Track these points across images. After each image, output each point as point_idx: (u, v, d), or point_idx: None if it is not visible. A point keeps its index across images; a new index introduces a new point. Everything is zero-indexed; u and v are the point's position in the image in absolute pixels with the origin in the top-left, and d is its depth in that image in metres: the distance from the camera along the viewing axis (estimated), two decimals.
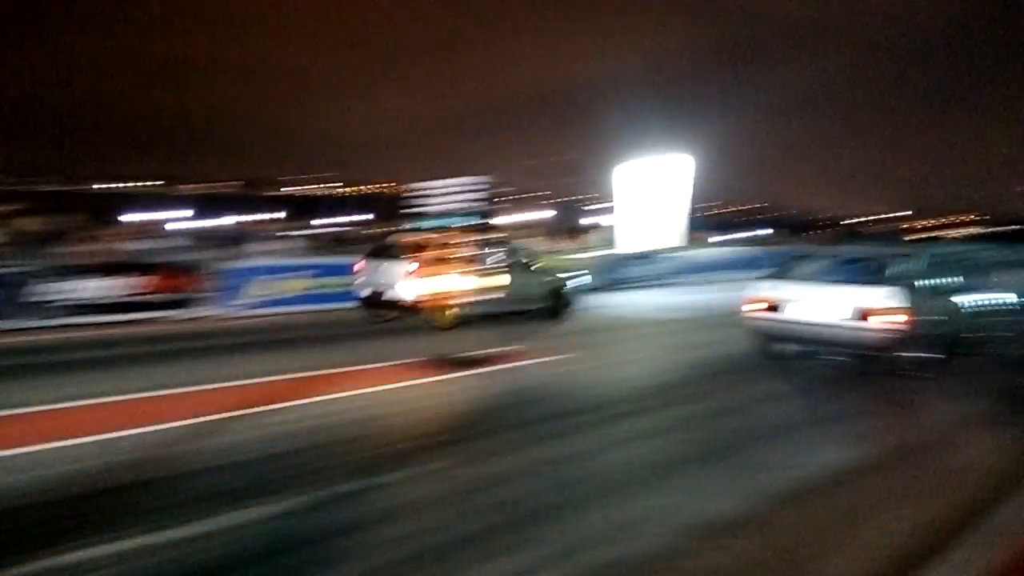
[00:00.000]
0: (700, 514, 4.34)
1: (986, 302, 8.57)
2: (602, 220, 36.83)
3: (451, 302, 11.66)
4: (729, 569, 3.69)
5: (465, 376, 8.16)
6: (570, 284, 13.90)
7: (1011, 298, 8.82)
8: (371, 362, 8.77)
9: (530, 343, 10.33)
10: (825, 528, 4.19)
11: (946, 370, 7.84)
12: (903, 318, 7.53)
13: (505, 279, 12.52)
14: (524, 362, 8.95)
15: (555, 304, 13.30)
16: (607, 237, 26.11)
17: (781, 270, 9.14)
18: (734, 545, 3.94)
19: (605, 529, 4.13)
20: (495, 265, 12.59)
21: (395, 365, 8.61)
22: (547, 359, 9.14)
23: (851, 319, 7.80)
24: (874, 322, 7.63)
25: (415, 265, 11.56)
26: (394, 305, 11.81)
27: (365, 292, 12.46)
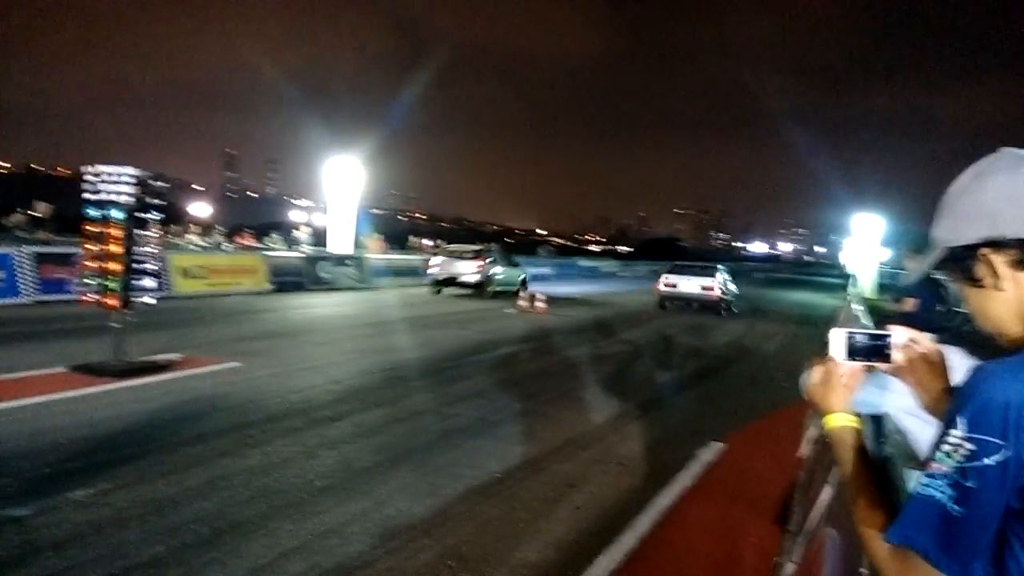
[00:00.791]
0: (397, 516, 4.45)
1: (732, 287, 21.50)
2: (311, 218, 35.00)
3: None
4: (428, 567, 3.82)
5: (136, 385, 7.32)
6: (530, 274, 24.82)
7: (733, 286, 21.73)
8: (26, 369, 7.57)
9: (202, 349, 9.61)
10: (510, 521, 4.53)
11: (730, 312, 20.41)
12: (719, 291, 19.66)
13: (508, 270, 22.51)
14: (197, 369, 8.30)
15: (523, 287, 22.64)
16: (303, 237, 24.95)
17: (671, 269, 21.02)
18: (430, 544, 4.10)
19: (305, 539, 4.03)
20: (498, 261, 22.11)
21: (52, 373, 7.50)
22: (222, 365, 8.58)
23: (701, 290, 19.86)
24: (710, 292, 19.70)
25: (480, 261, 20.96)
26: (466, 285, 20.89)
27: (442, 276, 21.26)
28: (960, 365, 1.51)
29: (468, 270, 20.99)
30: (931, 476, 1.00)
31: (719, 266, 21.34)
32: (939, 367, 1.37)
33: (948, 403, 1.33)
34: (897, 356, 1.36)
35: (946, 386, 1.35)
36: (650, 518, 4.62)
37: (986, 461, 0.95)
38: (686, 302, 20.37)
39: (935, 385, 1.36)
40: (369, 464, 5.40)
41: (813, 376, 1.39)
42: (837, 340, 1.38)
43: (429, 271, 21.80)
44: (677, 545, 4.26)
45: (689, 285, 20.15)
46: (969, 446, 0.96)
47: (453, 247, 23.26)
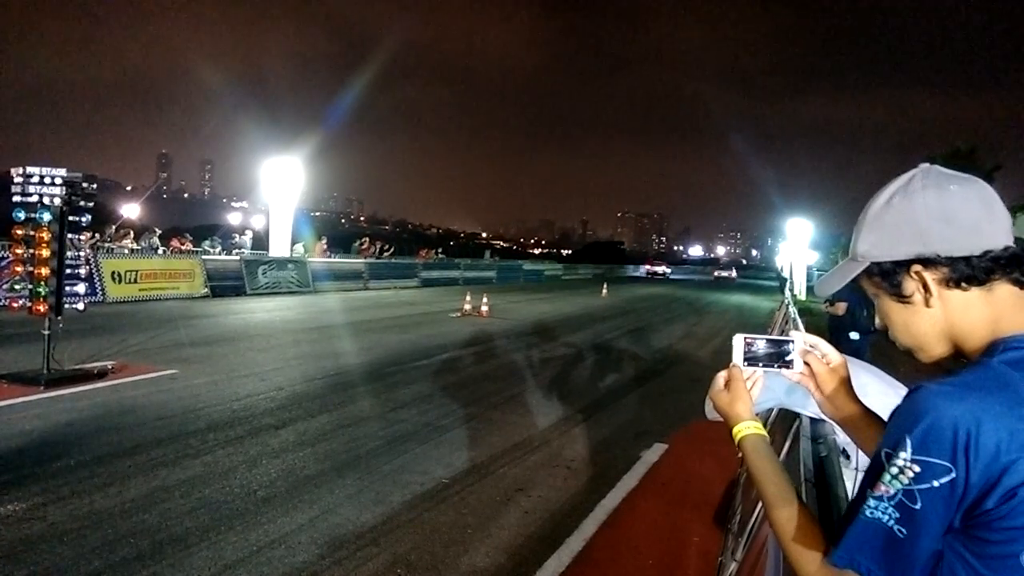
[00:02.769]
0: (344, 525, 4.41)
1: (737, 273, 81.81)
2: (250, 221, 34.21)
3: None
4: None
5: (69, 394, 7.10)
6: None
7: (737, 273, 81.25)
8: None
9: (137, 356, 9.35)
10: (459, 526, 4.55)
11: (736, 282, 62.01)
12: (735, 275, 76.64)
13: (671, 269, 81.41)
14: (132, 377, 8.06)
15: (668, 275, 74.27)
16: (246, 243, 24.27)
17: (719, 267, 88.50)
18: (379, 552, 4.08)
19: (249, 550, 3.97)
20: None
21: None
22: (159, 373, 8.37)
23: (727, 275, 74.82)
24: (732, 275, 74.84)
25: (663, 266, 77.51)
26: (659, 275, 68.59)
27: (650, 273, 69.46)
28: (871, 382, 1.54)
29: (659, 269, 69.74)
30: (878, 498, 0.97)
31: (734, 265, 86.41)
32: (842, 375, 1.33)
33: (859, 412, 1.30)
34: (798, 362, 1.32)
35: (849, 394, 1.32)
36: (597, 520, 4.69)
37: (934, 484, 0.93)
38: (725, 279, 65.36)
39: (836, 393, 1.32)
40: (314, 472, 5.34)
41: (716, 383, 1.34)
42: (737, 346, 1.33)
43: (644, 270, 66.66)
44: (623, 547, 4.34)
45: (726, 273, 73.36)
46: (916, 468, 0.94)
47: (656, 261, 79.41)
